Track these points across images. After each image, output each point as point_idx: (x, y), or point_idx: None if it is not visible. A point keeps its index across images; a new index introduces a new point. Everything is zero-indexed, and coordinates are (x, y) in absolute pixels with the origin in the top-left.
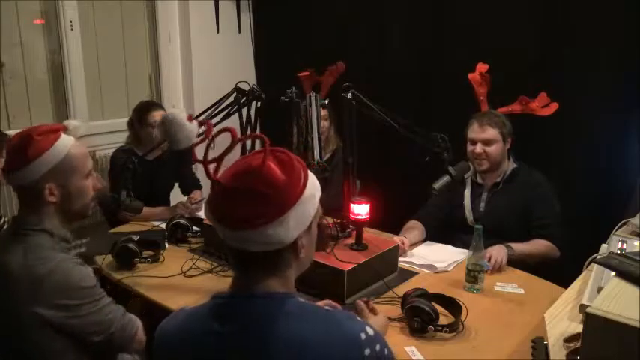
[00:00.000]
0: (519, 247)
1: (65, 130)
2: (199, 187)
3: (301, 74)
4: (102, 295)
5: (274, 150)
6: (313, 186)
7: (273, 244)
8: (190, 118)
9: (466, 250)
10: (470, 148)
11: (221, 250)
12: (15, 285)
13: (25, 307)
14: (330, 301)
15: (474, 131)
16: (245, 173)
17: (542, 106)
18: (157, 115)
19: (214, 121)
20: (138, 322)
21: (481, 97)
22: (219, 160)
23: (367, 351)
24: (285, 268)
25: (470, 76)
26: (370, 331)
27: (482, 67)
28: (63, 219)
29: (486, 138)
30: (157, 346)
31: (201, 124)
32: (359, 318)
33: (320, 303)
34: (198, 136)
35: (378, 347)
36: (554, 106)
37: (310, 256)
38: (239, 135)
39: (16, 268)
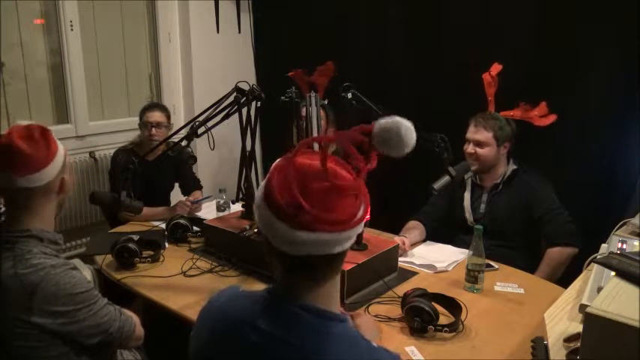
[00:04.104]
0: None
1: None
2: (200, 187)
3: (290, 74)
4: (97, 298)
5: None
6: None
7: (346, 245)
8: None
9: (466, 250)
10: (465, 146)
11: (221, 250)
12: (7, 295)
13: (20, 317)
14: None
15: (470, 131)
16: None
17: (541, 116)
18: (151, 117)
19: (214, 121)
20: (135, 319)
21: (489, 98)
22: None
23: None
24: (332, 276)
25: (483, 75)
26: None
27: (496, 67)
28: (54, 217)
29: (478, 139)
30: (202, 321)
31: None
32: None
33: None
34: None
35: None
36: (552, 118)
37: None
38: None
39: (6, 279)
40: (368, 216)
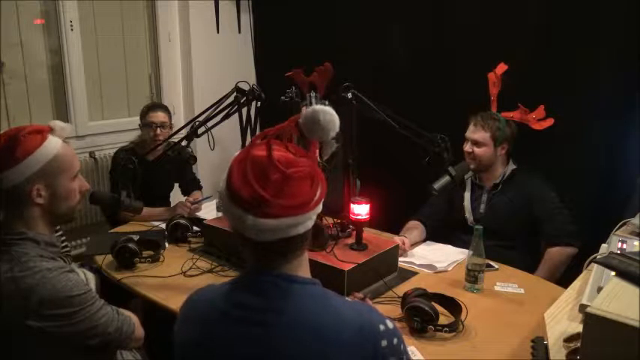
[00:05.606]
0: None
1: (51, 130)
2: (200, 188)
3: (288, 74)
4: (94, 300)
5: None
6: None
7: (309, 225)
8: None
9: (466, 250)
10: (464, 145)
11: (221, 250)
12: (4, 298)
13: (17, 320)
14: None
15: (469, 130)
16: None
17: (539, 119)
18: (155, 117)
19: (214, 121)
20: (134, 320)
21: (492, 97)
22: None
23: (384, 342)
24: (301, 253)
25: (489, 74)
26: (390, 325)
27: (502, 67)
28: (48, 222)
29: (475, 139)
30: (185, 314)
31: None
32: (380, 312)
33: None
34: None
35: (395, 341)
36: (549, 122)
37: None
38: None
39: (3, 281)
40: (367, 216)
